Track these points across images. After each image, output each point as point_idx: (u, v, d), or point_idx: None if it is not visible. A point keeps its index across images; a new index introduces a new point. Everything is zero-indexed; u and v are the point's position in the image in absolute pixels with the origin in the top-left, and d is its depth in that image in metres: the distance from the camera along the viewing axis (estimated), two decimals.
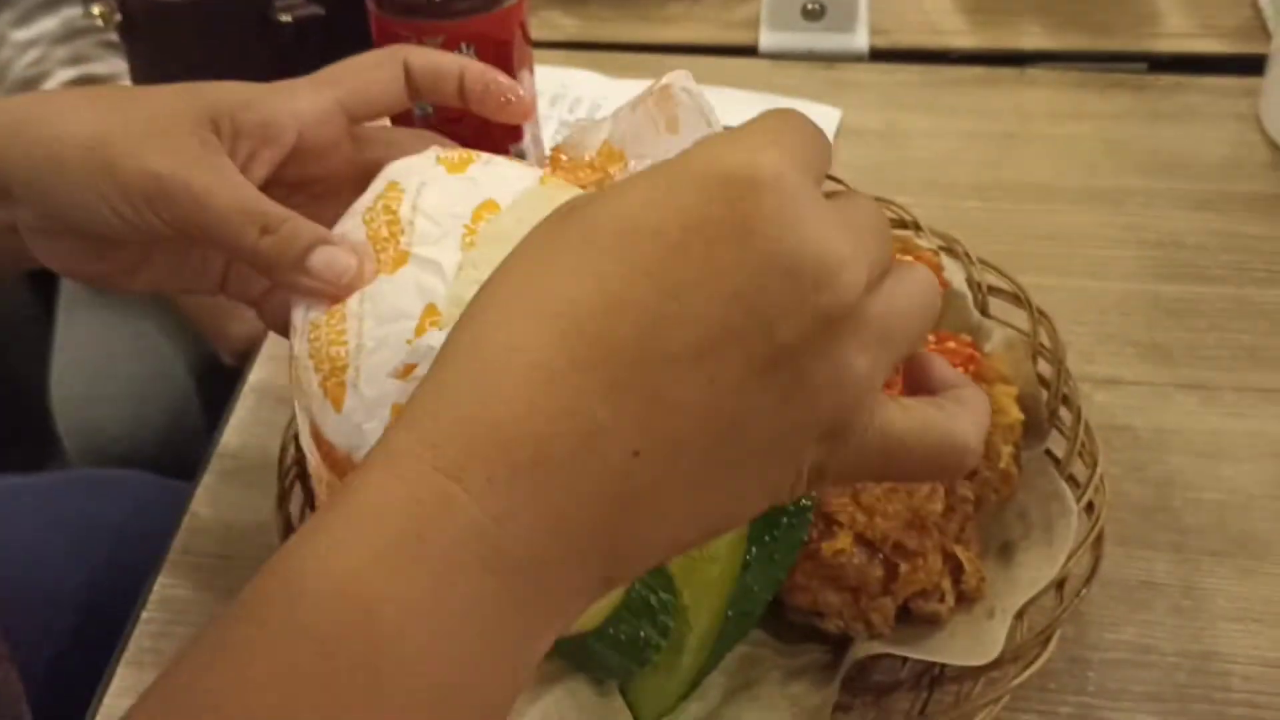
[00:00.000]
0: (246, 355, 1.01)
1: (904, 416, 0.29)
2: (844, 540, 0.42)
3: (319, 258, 0.38)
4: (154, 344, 0.97)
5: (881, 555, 0.43)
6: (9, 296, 1.10)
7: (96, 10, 0.92)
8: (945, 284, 0.50)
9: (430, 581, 0.24)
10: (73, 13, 0.97)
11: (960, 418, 0.30)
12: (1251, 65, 0.73)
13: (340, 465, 0.39)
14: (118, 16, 0.92)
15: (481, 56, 0.55)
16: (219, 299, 0.48)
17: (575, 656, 0.42)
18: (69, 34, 0.99)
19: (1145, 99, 0.74)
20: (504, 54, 0.56)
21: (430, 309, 0.38)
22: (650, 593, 0.41)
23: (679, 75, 0.46)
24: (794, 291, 0.25)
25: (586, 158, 0.50)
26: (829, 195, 0.27)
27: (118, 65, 0.99)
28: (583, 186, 0.51)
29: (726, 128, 0.46)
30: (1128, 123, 0.72)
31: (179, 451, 0.95)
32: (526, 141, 0.61)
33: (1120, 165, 0.69)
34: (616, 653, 0.40)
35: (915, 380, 0.33)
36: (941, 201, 0.68)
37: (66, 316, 0.98)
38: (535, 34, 0.81)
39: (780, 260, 0.25)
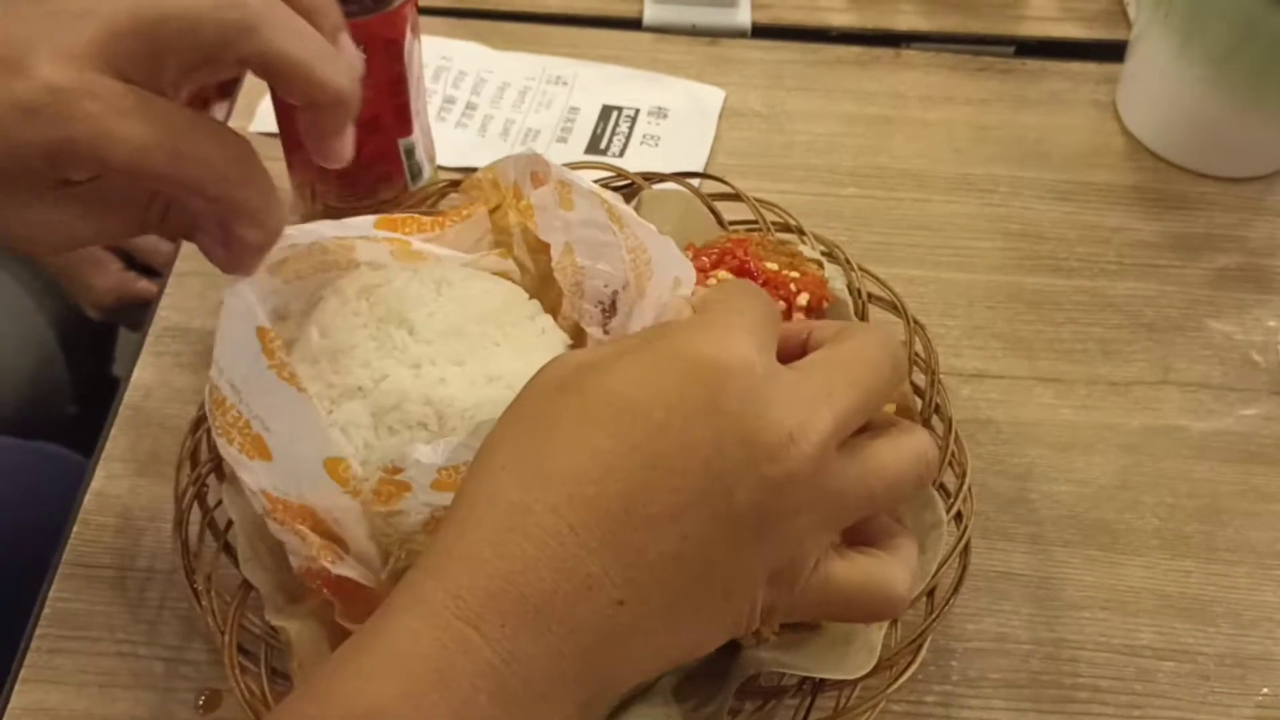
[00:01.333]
0: (113, 309, 0.98)
1: (846, 569, 0.33)
2: None
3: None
4: (12, 297, 0.94)
5: None
6: None
7: None
8: (830, 298, 0.52)
9: (449, 715, 0.28)
10: None
11: (895, 569, 0.35)
12: (1113, 51, 0.76)
13: (297, 513, 0.41)
14: None
15: (371, 56, 0.54)
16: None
17: None
18: None
19: (1012, 84, 0.77)
20: (394, 53, 0.56)
21: None
22: None
23: (575, 173, 0.50)
24: (750, 462, 0.30)
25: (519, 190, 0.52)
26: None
27: None
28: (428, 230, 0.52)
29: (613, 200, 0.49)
30: (996, 108, 0.75)
31: (44, 410, 0.93)
32: (415, 135, 0.60)
33: (989, 153, 0.72)
34: None
35: (857, 528, 0.36)
36: (821, 189, 0.70)
37: None
38: None
39: (740, 435, 0.30)
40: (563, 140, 0.71)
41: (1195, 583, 0.54)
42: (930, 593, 0.47)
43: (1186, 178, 0.71)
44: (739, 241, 0.53)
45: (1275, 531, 0.56)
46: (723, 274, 0.51)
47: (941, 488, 0.50)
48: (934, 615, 0.46)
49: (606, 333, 0.50)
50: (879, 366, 0.33)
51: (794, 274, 0.52)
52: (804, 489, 0.30)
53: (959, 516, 0.48)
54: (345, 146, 0.41)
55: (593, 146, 0.71)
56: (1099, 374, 0.62)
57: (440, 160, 0.66)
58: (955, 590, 0.47)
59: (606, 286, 0.49)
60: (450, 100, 0.73)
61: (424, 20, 0.76)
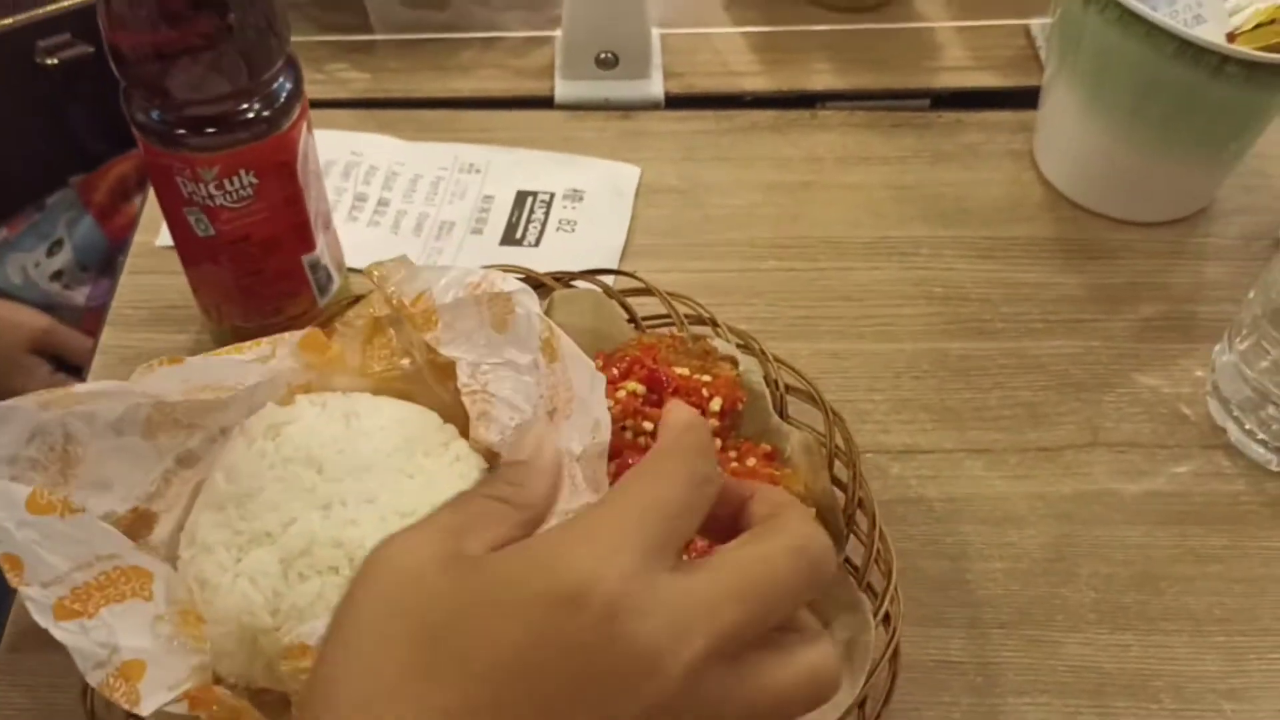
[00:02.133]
0: None
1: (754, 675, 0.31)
2: None
3: None
4: None
5: None
6: None
7: None
8: (743, 398, 0.51)
9: None
10: None
11: (813, 648, 0.32)
12: (1027, 98, 0.76)
13: None
14: None
15: (263, 182, 0.53)
16: None
17: None
18: None
19: (928, 139, 0.76)
20: (287, 175, 0.55)
21: None
22: None
23: (522, 292, 0.49)
24: (623, 689, 0.28)
25: (404, 300, 0.51)
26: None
27: None
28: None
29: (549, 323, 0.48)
30: (914, 165, 0.75)
31: None
32: (319, 250, 0.59)
33: (908, 213, 0.72)
34: None
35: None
36: (741, 264, 0.69)
37: None
38: (321, 92, 0.79)
39: (610, 664, 0.28)
40: (478, 231, 0.70)
41: (1134, 657, 0.53)
42: (861, 704, 0.46)
43: (1106, 225, 0.71)
44: (648, 348, 0.52)
45: (1212, 596, 0.55)
46: (632, 385, 0.50)
47: (869, 588, 0.49)
48: None
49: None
50: (787, 578, 0.31)
51: (705, 378, 0.51)
52: (680, 712, 0.29)
53: (887, 619, 0.47)
54: None
55: (508, 236, 0.70)
56: (1029, 440, 0.61)
57: (352, 262, 0.65)
58: (886, 700, 0.46)
59: (512, 420, 0.48)
60: (361, 198, 0.72)
61: (333, 114, 0.76)
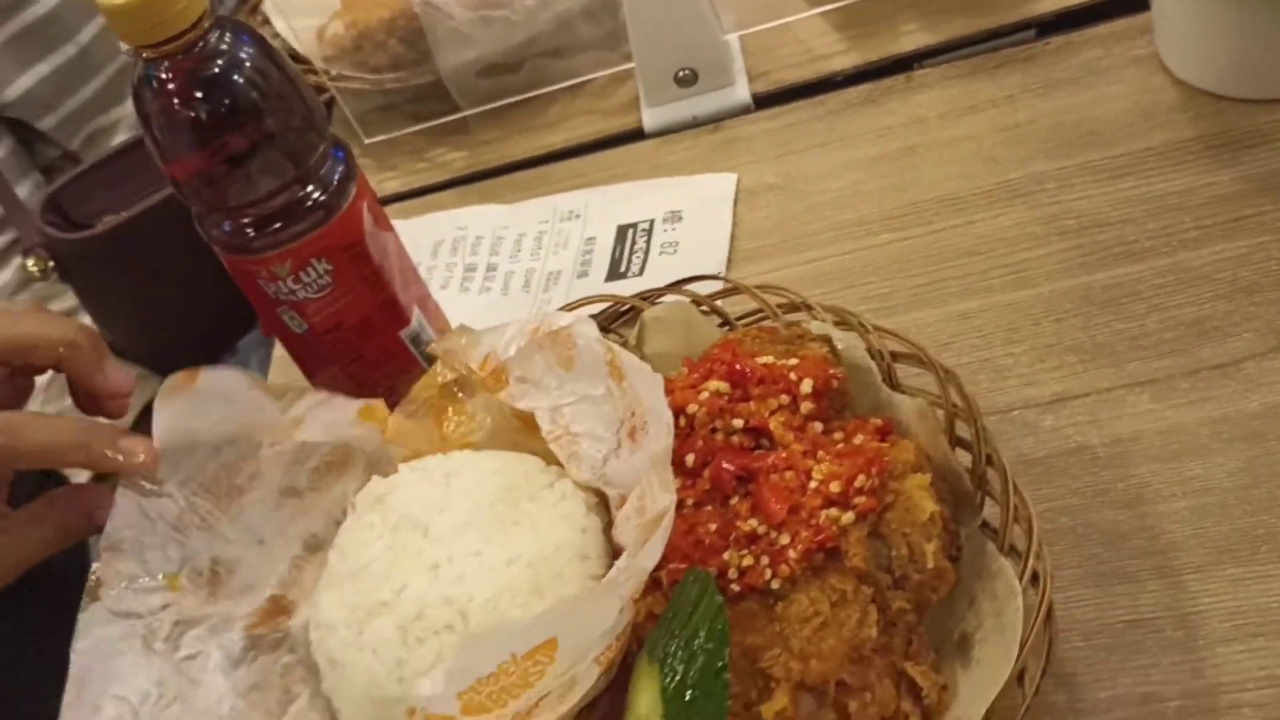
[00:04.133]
0: None
1: None
2: (781, 698, 0.41)
3: None
4: None
5: (830, 698, 0.41)
6: None
7: (30, 264, 0.93)
8: (839, 376, 0.48)
9: None
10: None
11: None
12: (1140, 0, 0.69)
13: None
14: (51, 263, 0.94)
15: (337, 267, 0.55)
16: None
17: None
18: (23, 283, 1.01)
19: (1036, 70, 0.70)
20: (359, 255, 0.56)
21: None
22: None
23: (579, 322, 0.48)
24: None
25: (470, 366, 0.51)
26: None
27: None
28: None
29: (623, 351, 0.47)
30: (1024, 102, 0.69)
31: None
32: (414, 323, 0.60)
33: (1026, 151, 0.66)
34: None
35: None
36: (853, 246, 0.65)
37: None
38: (425, 179, 0.81)
39: None
40: (583, 275, 0.70)
41: None
42: (1020, 676, 0.40)
43: (1252, 109, 0.63)
44: (728, 344, 0.49)
45: None
46: (715, 384, 0.47)
47: (1013, 549, 0.44)
48: (1024, 704, 0.40)
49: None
50: None
51: (791, 362, 0.48)
52: None
53: (1035, 578, 0.42)
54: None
55: (613, 272, 0.69)
56: (1200, 359, 0.54)
57: None
58: (1044, 670, 0.40)
59: (599, 451, 0.47)
60: (471, 268, 0.73)
61: (438, 197, 0.78)
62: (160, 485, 0.51)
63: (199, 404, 0.51)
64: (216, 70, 0.49)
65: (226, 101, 0.49)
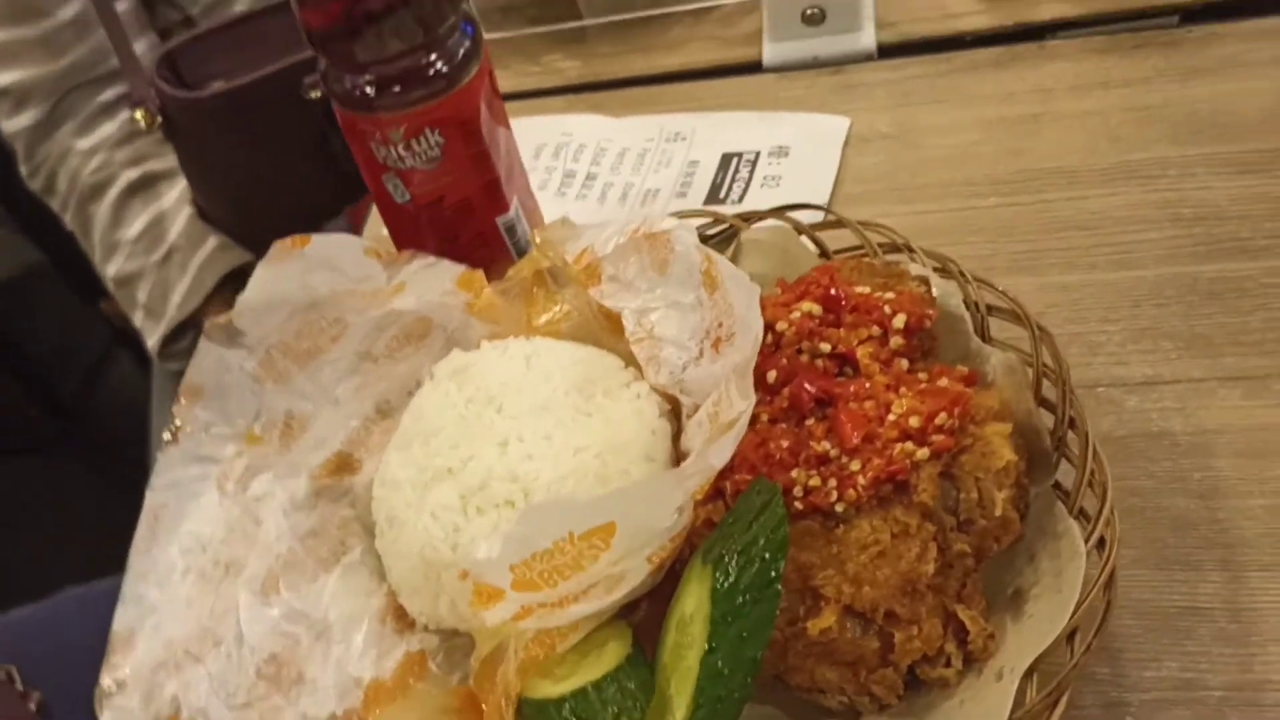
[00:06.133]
0: None
1: None
2: (829, 616, 0.41)
3: None
4: None
5: (876, 626, 0.41)
6: None
7: (139, 115, 0.95)
8: (933, 315, 0.47)
9: None
10: (129, 115, 1.00)
11: None
12: None
13: None
14: (159, 119, 0.96)
15: (449, 140, 0.55)
16: None
17: None
18: (127, 136, 1.03)
19: (1177, 56, 0.68)
20: (471, 132, 0.56)
21: None
22: (626, 681, 0.40)
23: (680, 228, 0.49)
24: None
25: (566, 258, 0.51)
26: None
27: (174, 160, 1.02)
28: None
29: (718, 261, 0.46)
30: (1158, 85, 0.67)
31: None
32: (513, 212, 0.60)
33: (1152, 134, 0.65)
34: None
35: None
36: (959, 204, 0.64)
37: None
38: (536, 82, 0.81)
39: None
40: (682, 195, 0.70)
41: None
42: (1071, 636, 0.40)
43: None
44: (825, 269, 0.49)
45: None
46: (808, 305, 0.47)
47: (1082, 513, 0.43)
48: (1072, 663, 0.39)
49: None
50: None
51: (888, 295, 0.47)
52: None
53: (1101, 543, 0.42)
54: None
55: (711, 197, 0.69)
56: None
57: None
58: (1099, 630, 0.40)
59: (680, 359, 0.47)
60: (570, 174, 0.73)
61: (547, 101, 0.78)
62: (241, 337, 0.52)
63: (300, 268, 0.52)
64: None
65: None
